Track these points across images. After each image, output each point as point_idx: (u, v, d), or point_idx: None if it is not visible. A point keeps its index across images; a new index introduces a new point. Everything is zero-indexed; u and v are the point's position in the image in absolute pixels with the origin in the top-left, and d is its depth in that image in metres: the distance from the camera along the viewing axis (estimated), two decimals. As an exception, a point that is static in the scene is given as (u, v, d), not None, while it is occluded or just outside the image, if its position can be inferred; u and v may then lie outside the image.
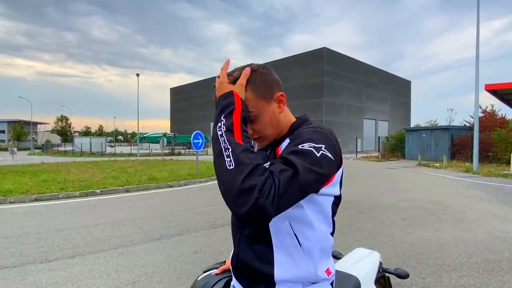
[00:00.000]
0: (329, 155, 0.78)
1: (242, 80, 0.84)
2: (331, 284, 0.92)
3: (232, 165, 0.70)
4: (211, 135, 0.79)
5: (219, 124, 0.77)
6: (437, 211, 5.77)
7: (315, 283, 0.87)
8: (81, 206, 6.73)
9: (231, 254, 0.98)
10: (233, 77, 0.85)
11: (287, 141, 0.88)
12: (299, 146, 0.77)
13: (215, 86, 0.87)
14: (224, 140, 0.74)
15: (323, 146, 0.78)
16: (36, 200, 7.29)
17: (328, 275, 0.89)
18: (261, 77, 0.88)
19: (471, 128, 17.45)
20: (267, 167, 0.74)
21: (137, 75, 34.23)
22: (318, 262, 0.86)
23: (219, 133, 0.76)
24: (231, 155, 0.72)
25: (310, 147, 0.77)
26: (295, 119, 0.97)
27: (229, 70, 0.88)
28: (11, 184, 8.77)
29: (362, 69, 39.15)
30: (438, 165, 15.85)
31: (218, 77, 0.86)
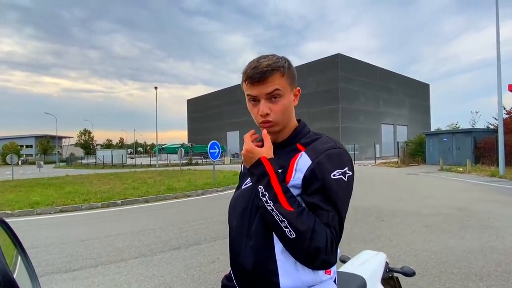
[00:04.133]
0: (351, 173, 0.86)
1: (268, 143, 0.89)
2: (334, 281, 0.94)
3: (293, 235, 0.77)
4: (259, 205, 0.84)
5: (264, 199, 0.82)
6: (461, 218, 5.54)
7: (319, 283, 0.89)
8: (103, 216, 6.93)
9: (232, 264, 0.98)
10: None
11: (305, 158, 0.87)
12: (331, 176, 0.82)
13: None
14: (277, 214, 0.79)
15: (347, 168, 0.85)
16: (61, 211, 7.58)
17: (330, 274, 0.91)
18: (293, 68, 0.95)
19: (495, 131, 16.73)
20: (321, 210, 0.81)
21: (155, 88, 35.16)
22: None
23: (268, 208, 0.81)
24: (288, 226, 0.77)
25: (339, 174, 0.83)
26: (297, 122, 0.99)
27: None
28: (38, 196, 9.17)
29: (378, 74, 38.58)
30: (461, 169, 15.25)
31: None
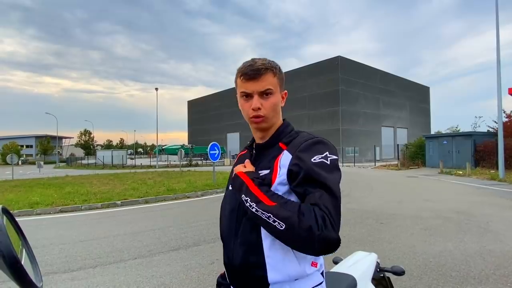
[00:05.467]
0: (335, 157, 0.90)
1: (248, 165, 0.99)
2: (322, 274, 0.97)
3: (283, 225, 0.79)
4: (249, 215, 0.88)
5: (247, 204, 0.86)
6: (461, 221, 5.54)
7: (306, 276, 0.92)
8: (103, 217, 6.93)
9: (224, 261, 1.02)
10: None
11: (287, 154, 0.92)
12: (312, 160, 0.86)
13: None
14: (262, 212, 0.82)
15: (327, 152, 0.89)
16: (61, 211, 7.58)
17: (316, 267, 0.95)
18: (282, 72, 1.02)
19: (495, 134, 16.73)
20: (310, 198, 0.82)
21: (156, 89, 35.21)
22: (306, 260, 0.92)
23: (253, 210, 0.84)
24: (276, 219, 0.80)
25: (320, 158, 0.87)
26: (282, 121, 1.04)
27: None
28: (38, 197, 9.18)
29: (378, 76, 38.64)
30: (461, 172, 15.25)
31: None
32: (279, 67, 0.99)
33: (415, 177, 14.56)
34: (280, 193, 0.88)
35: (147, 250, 4.29)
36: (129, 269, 3.61)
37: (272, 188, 0.90)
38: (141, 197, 9.01)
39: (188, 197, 9.59)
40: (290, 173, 0.88)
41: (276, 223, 0.79)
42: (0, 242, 0.55)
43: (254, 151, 1.04)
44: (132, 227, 5.71)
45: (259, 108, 0.94)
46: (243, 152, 1.14)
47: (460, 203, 7.41)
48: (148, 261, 3.86)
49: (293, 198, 0.88)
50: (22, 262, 0.59)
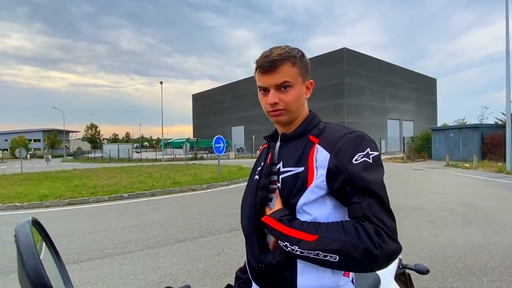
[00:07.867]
0: (376, 152, 0.81)
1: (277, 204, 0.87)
2: (352, 281, 0.91)
3: (336, 258, 0.72)
4: (293, 257, 0.80)
5: (288, 249, 0.78)
6: (467, 213, 5.52)
7: (338, 286, 0.85)
8: (110, 209, 7.03)
9: (248, 259, 0.98)
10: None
11: (322, 151, 0.82)
12: (353, 162, 0.77)
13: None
14: (308, 252, 0.75)
15: (369, 149, 0.80)
16: (69, 204, 7.71)
17: (348, 276, 0.88)
18: (305, 59, 0.91)
19: (503, 126, 16.48)
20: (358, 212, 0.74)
21: (161, 83, 35.27)
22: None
23: (298, 253, 0.76)
24: (326, 253, 0.72)
25: (362, 157, 0.78)
26: (308, 112, 0.96)
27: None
28: (47, 189, 9.32)
29: (384, 68, 38.14)
30: (468, 165, 15.10)
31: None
32: (301, 55, 0.88)
33: (421, 170, 14.47)
34: (316, 196, 0.80)
35: (154, 242, 4.35)
36: (137, 260, 3.67)
37: (309, 191, 0.80)
38: (148, 190, 9.10)
39: (194, 190, 9.66)
40: (328, 173, 0.79)
41: (328, 257, 0.72)
42: (35, 274, 0.49)
43: (278, 142, 0.95)
44: (139, 219, 5.79)
45: (276, 103, 0.86)
46: (266, 145, 1.05)
47: (466, 195, 7.36)
48: (155, 252, 3.93)
49: (330, 201, 0.81)
50: (49, 276, 0.53)
